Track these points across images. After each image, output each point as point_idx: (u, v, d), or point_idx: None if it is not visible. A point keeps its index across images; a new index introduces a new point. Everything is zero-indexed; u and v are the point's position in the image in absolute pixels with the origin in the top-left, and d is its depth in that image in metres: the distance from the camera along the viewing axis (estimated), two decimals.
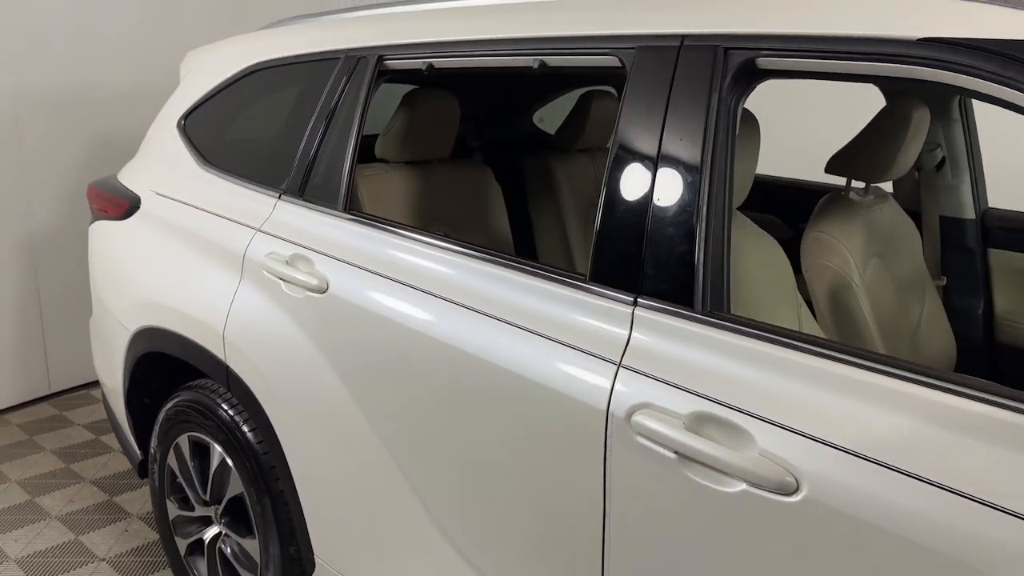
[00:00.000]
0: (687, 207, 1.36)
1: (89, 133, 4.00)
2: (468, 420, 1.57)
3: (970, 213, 2.46)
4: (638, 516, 1.32)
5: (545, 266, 1.55)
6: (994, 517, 1.00)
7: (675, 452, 1.26)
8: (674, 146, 1.39)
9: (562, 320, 1.46)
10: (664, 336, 1.34)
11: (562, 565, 1.46)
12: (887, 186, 2.59)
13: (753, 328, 1.26)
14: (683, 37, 1.43)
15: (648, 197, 1.41)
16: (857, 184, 2.23)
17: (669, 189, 1.39)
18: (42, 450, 3.60)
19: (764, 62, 1.35)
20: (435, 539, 1.71)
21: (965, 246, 2.50)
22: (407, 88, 2.42)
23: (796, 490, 1.14)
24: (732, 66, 1.37)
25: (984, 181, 2.51)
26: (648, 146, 1.42)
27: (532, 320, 1.50)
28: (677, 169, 1.39)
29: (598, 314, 1.43)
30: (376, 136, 2.41)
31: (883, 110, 2.13)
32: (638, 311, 1.39)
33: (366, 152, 2.38)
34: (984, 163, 2.53)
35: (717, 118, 1.36)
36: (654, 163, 1.41)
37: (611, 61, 1.53)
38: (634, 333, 1.37)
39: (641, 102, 1.45)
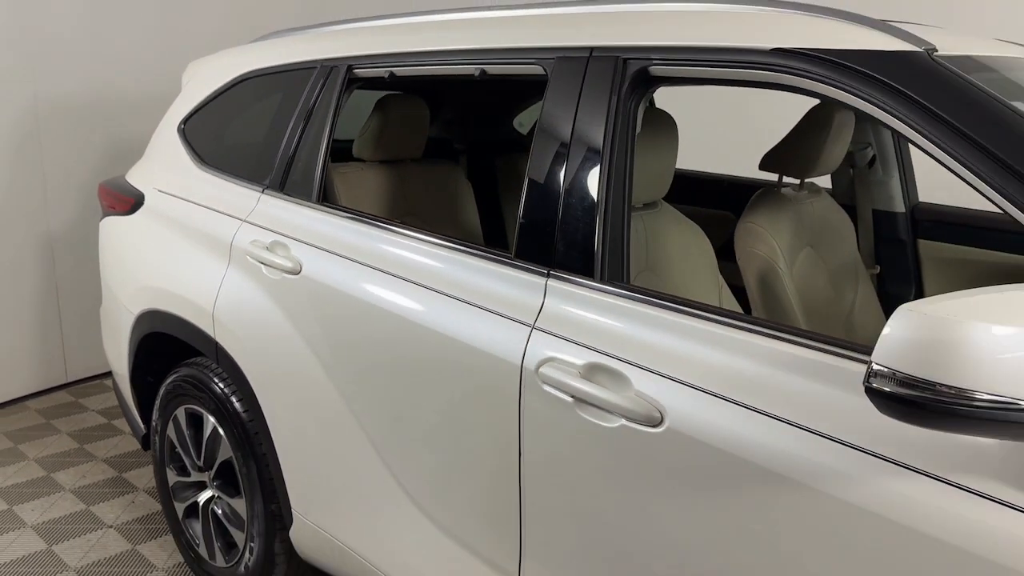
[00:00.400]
0: (590, 194, 1.60)
1: (103, 137, 4.29)
2: (414, 379, 1.82)
3: (900, 207, 2.68)
4: (544, 451, 1.56)
5: (481, 247, 1.79)
6: (809, 438, 1.23)
7: (572, 396, 1.50)
8: (581, 143, 1.64)
9: (491, 291, 1.71)
10: (568, 302, 1.58)
11: (489, 498, 1.70)
12: (826, 181, 2.81)
13: (636, 293, 1.50)
14: (591, 49, 1.68)
15: (560, 186, 1.65)
16: (793, 180, 2.46)
17: (576, 179, 1.63)
18: (58, 432, 3.87)
19: (655, 70, 1.59)
20: (392, 488, 1.95)
21: (897, 238, 2.72)
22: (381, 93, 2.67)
23: (661, 422, 1.38)
24: (630, 73, 1.61)
25: (914, 177, 2.72)
26: (561, 143, 1.67)
27: (468, 292, 1.75)
28: (583, 162, 1.63)
29: (519, 285, 1.67)
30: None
31: (809, 112, 2.36)
32: (550, 282, 1.63)
33: (347, 152, 2.65)
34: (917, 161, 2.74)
35: (616, 118, 1.60)
36: (565, 157, 1.66)
37: (536, 69, 1.77)
38: (546, 300, 1.62)
39: (557, 105, 1.70)
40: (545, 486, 1.58)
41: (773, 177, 2.42)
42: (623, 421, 1.43)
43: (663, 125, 1.93)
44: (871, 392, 0.98)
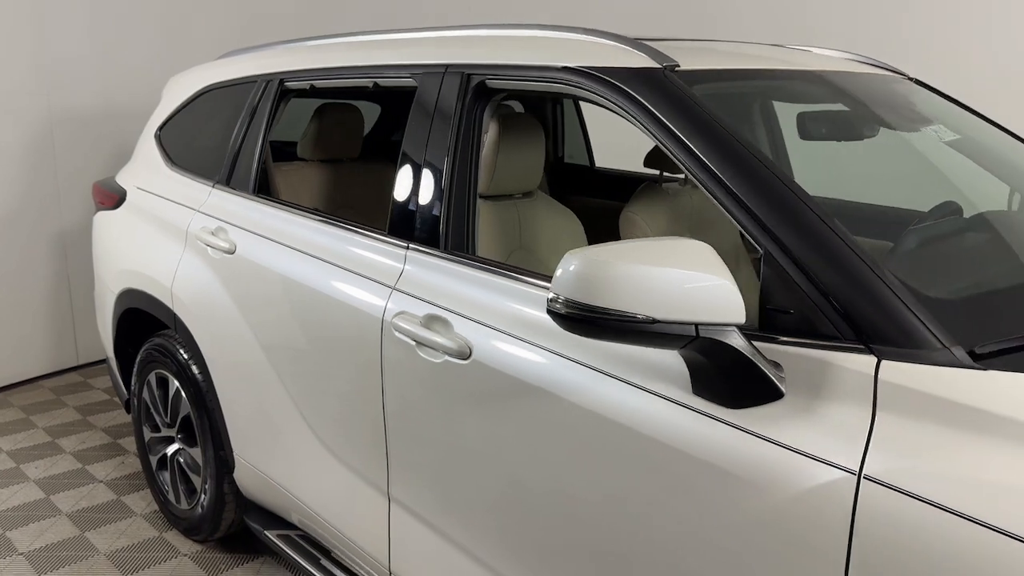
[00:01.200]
0: (439, 183, 2.00)
1: (110, 143, 4.78)
2: (314, 336, 2.23)
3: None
4: (396, 386, 1.97)
5: (366, 227, 2.21)
6: (558, 360, 1.62)
7: (414, 340, 1.90)
8: (435, 141, 2.04)
9: (369, 261, 2.12)
10: (419, 268, 1.98)
11: (364, 427, 2.10)
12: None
13: (464, 259, 1.90)
14: (446, 66, 2.08)
15: (418, 176, 2.06)
16: (679, 175, 2.82)
17: (430, 171, 2.03)
18: (66, 406, 4.36)
19: (491, 83, 1.99)
20: (303, 429, 2.37)
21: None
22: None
23: (470, 355, 1.78)
24: (472, 86, 2.01)
25: (791, 172, 3.06)
26: (421, 142, 2.07)
27: (353, 263, 2.16)
28: (435, 157, 2.03)
29: (387, 256, 2.08)
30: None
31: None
32: (409, 253, 2.03)
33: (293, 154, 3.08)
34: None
35: (461, 122, 2.00)
36: (424, 154, 2.06)
37: (409, 82, 2.18)
38: (405, 267, 2.02)
39: (420, 111, 2.10)
40: (398, 413, 1.99)
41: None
42: (446, 357, 1.83)
43: (528, 128, 2.31)
44: (551, 314, 1.37)
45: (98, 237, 3.39)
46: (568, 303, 1.32)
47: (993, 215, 1.96)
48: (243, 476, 2.68)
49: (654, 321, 1.29)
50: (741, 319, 1.30)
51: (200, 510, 2.92)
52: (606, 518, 1.55)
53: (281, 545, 2.56)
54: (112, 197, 3.32)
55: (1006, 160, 2.32)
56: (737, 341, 1.32)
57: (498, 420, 1.74)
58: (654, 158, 2.78)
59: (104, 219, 3.35)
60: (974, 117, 2.44)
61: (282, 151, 3.15)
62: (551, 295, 1.35)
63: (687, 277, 1.29)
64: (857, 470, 1.22)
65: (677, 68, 1.74)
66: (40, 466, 3.67)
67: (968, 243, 1.84)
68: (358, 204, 3.14)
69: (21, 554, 2.97)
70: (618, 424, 1.51)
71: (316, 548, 2.50)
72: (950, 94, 2.53)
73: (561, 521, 1.64)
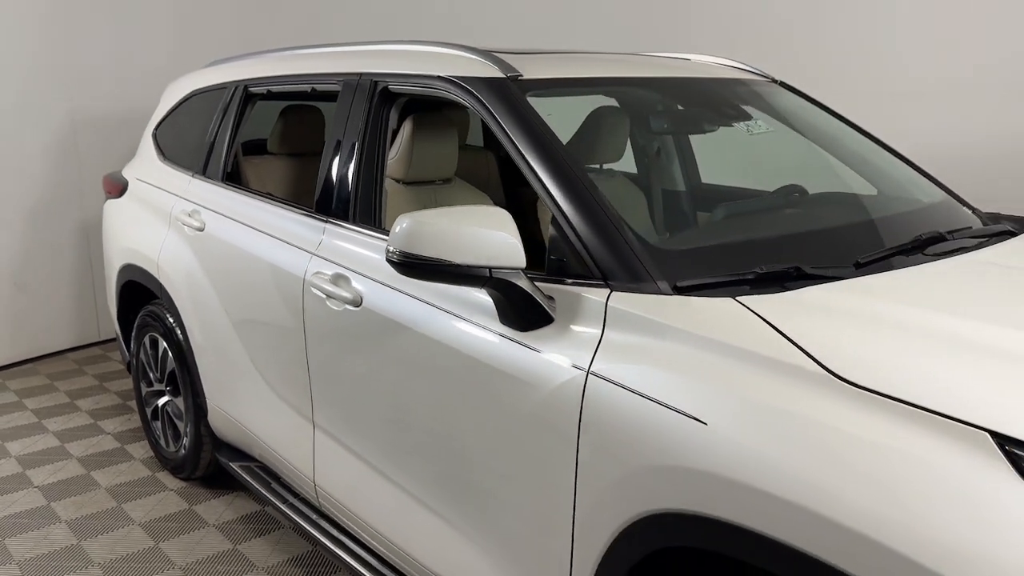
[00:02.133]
0: (350, 169, 2.49)
1: (127, 143, 5.33)
2: (259, 295, 2.74)
3: (681, 186, 3.47)
4: (313, 332, 2.46)
5: (300, 205, 2.70)
6: (416, 303, 2.09)
7: (324, 294, 2.40)
8: (349, 136, 2.53)
9: (299, 233, 2.61)
10: (333, 237, 2.48)
11: (294, 368, 2.60)
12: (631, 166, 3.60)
13: (365, 229, 2.39)
14: (360, 74, 2.57)
15: (337, 163, 2.55)
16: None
17: (344, 159, 2.52)
18: (86, 374, 4.94)
19: (392, 88, 2.47)
20: (254, 373, 2.88)
21: (679, 209, 3.50)
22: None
23: (361, 303, 2.27)
24: (378, 91, 2.50)
25: (696, 164, 3.50)
26: (339, 136, 2.57)
27: (288, 235, 2.65)
28: (349, 149, 2.52)
29: (311, 229, 2.57)
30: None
31: (587, 117, 3.17)
32: (327, 226, 2.53)
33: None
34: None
35: (369, 120, 2.49)
36: (341, 145, 2.55)
37: (337, 88, 2.68)
38: (324, 237, 2.52)
39: (341, 111, 2.60)
40: (316, 355, 2.49)
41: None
42: (345, 306, 2.32)
43: (440, 125, 2.79)
44: (389, 262, 1.84)
45: (106, 221, 3.95)
46: (399, 253, 1.80)
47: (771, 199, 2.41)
48: (214, 418, 3.20)
49: (457, 265, 1.76)
50: (521, 264, 1.77)
51: (183, 451, 3.46)
52: (444, 416, 2.03)
53: (243, 474, 3.07)
54: (117, 187, 3.88)
55: (852, 151, 2.76)
56: (521, 281, 1.79)
57: (378, 352, 2.22)
58: (573, 149, 3.23)
59: (111, 206, 3.91)
60: (827, 114, 2.88)
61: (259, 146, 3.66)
62: (388, 247, 1.83)
63: (483, 233, 1.76)
64: (587, 369, 1.68)
65: (520, 77, 2.20)
66: (58, 421, 4.24)
67: (736, 216, 2.29)
68: None
69: (36, 487, 3.53)
70: (451, 348, 1.99)
71: (268, 474, 3.01)
72: (812, 95, 2.98)
73: (415, 424, 2.12)
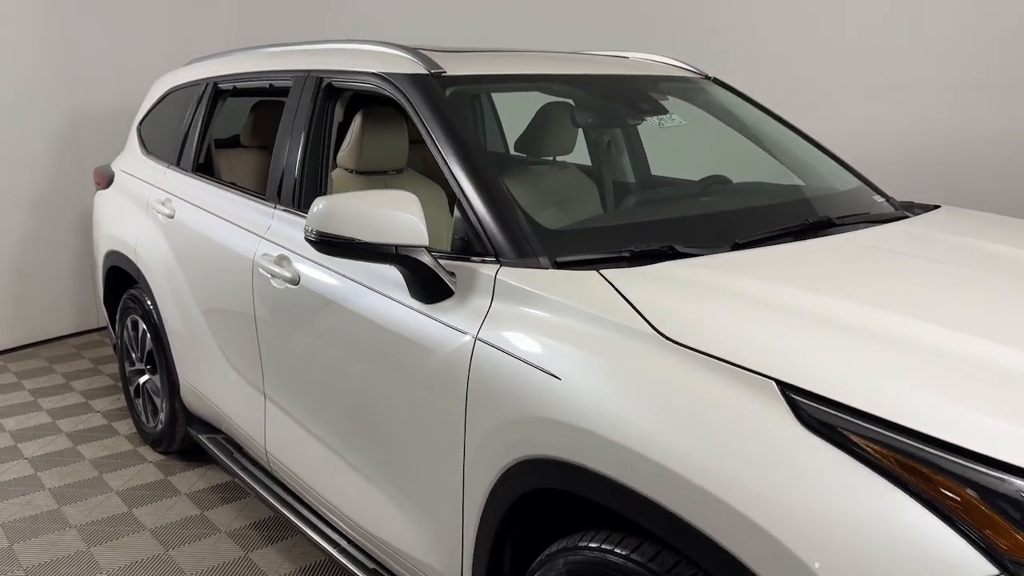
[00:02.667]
0: (296, 159, 2.70)
1: (126, 139, 5.60)
2: (218, 276, 2.95)
3: (631, 178, 3.64)
4: (261, 308, 2.67)
5: (256, 193, 2.91)
6: (345, 280, 2.29)
7: (270, 274, 2.60)
8: (297, 128, 2.73)
9: (252, 219, 2.82)
10: (280, 221, 2.68)
11: (246, 342, 2.81)
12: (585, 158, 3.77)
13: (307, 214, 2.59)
14: (308, 71, 2.78)
15: (285, 153, 2.75)
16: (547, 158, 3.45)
17: (292, 149, 2.72)
18: (82, 358, 5.19)
19: (336, 83, 2.67)
20: (216, 350, 3.09)
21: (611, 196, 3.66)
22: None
23: (299, 282, 2.47)
24: (323, 87, 2.70)
25: (646, 157, 3.67)
26: (288, 129, 2.77)
27: (244, 220, 2.86)
28: (295, 140, 2.72)
29: (262, 215, 2.78)
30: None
31: (537, 113, 3.35)
32: (276, 211, 2.73)
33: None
34: None
35: (313, 113, 2.69)
36: (290, 137, 2.76)
37: (289, 84, 2.88)
38: (272, 222, 2.72)
39: (292, 105, 2.80)
40: (264, 330, 2.69)
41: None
42: (286, 284, 2.53)
43: (388, 118, 2.98)
44: (307, 240, 2.04)
45: (95, 211, 4.19)
46: (315, 232, 2.00)
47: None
48: (186, 394, 3.43)
49: (366, 243, 1.96)
50: (424, 242, 1.96)
51: (160, 426, 3.69)
52: (363, 381, 2.23)
53: (210, 445, 3.29)
54: (106, 178, 4.11)
55: (779, 144, 2.93)
56: (424, 257, 1.98)
57: (312, 326, 2.43)
58: (523, 143, 3.42)
59: (100, 197, 4.14)
60: (757, 110, 3.06)
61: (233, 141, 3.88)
62: (306, 227, 2.03)
63: (390, 214, 1.96)
64: (475, 335, 1.87)
65: (442, 74, 2.40)
66: (52, 400, 4.49)
67: (644, 203, 2.48)
68: None
69: (26, 459, 3.77)
70: (369, 319, 2.19)
71: (232, 446, 3.23)
72: (747, 93, 3.16)
73: (341, 389, 2.33)
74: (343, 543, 2.53)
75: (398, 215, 1.96)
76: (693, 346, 1.51)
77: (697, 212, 2.37)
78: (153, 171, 3.66)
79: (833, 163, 2.94)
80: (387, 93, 2.43)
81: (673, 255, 1.95)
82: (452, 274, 2.01)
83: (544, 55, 2.93)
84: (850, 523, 1.24)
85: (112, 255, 3.85)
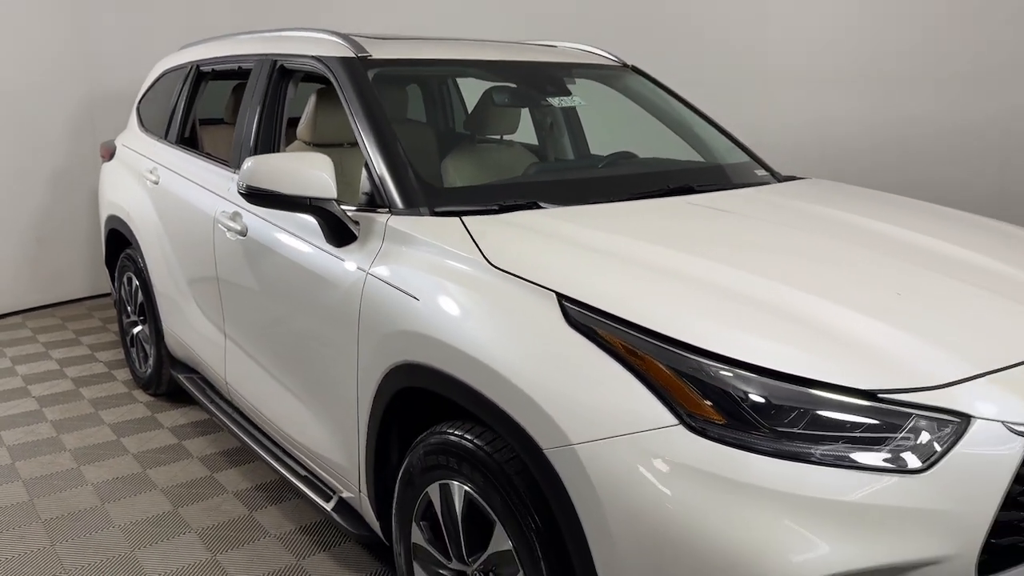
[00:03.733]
0: (251, 132, 3.14)
1: None
2: (191, 233, 3.42)
3: (570, 155, 4.04)
4: (220, 258, 3.13)
5: (223, 161, 3.37)
6: (279, 231, 2.74)
7: (226, 228, 3.06)
8: (253, 105, 3.18)
9: (217, 182, 3.27)
10: (231, 182, 3.14)
11: (210, 289, 3.27)
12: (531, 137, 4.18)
13: None
14: (266, 55, 3.22)
15: (245, 127, 3.20)
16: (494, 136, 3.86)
17: (247, 123, 3.17)
18: (93, 318, 5.72)
19: (287, 66, 3.11)
20: (189, 297, 3.56)
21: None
22: None
23: (247, 233, 2.92)
24: (277, 69, 3.14)
25: (584, 137, 4.06)
26: (248, 104, 3.22)
27: (210, 184, 3.32)
28: (252, 115, 3.17)
29: (225, 179, 3.23)
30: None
31: (482, 96, 3.76)
32: (234, 175, 3.18)
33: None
34: None
35: (268, 92, 3.13)
36: (248, 113, 3.20)
37: (252, 66, 3.33)
38: (231, 184, 3.17)
39: (253, 85, 3.24)
40: (223, 277, 3.15)
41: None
42: (237, 236, 2.98)
43: (332, 100, 3.40)
44: (239, 194, 2.47)
45: (101, 181, 4.68)
46: (245, 186, 2.44)
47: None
48: (168, 340, 3.90)
49: (285, 195, 2.39)
50: (332, 195, 2.39)
51: (149, 370, 4.17)
52: (291, 313, 2.67)
53: (186, 383, 3.77)
54: (110, 152, 4.60)
55: (684, 125, 3.33)
56: (333, 208, 2.41)
57: (256, 270, 2.88)
58: (471, 122, 3.83)
59: (104, 168, 4.64)
60: (668, 95, 3.46)
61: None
62: (237, 182, 2.47)
63: (305, 171, 2.39)
64: (367, 271, 2.30)
65: (368, 57, 2.82)
66: (62, 351, 5.01)
67: (541, 170, 2.89)
68: None
69: (33, 397, 4.28)
70: (295, 262, 2.63)
71: (205, 383, 3.70)
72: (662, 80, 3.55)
73: (276, 322, 2.78)
74: (289, 461, 2.98)
75: (312, 172, 2.38)
76: (509, 270, 1.93)
77: (571, 178, 2.79)
78: (146, 144, 4.14)
79: (729, 143, 3.33)
80: (323, 73, 2.86)
81: (535, 209, 2.36)
82: (356, 223, 2.44)
83: (472, 43, 3.34)
84: (590, 391, 1.66)
85: (111, 219, 4.34)
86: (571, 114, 4.02)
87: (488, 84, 3.47)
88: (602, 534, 1.61)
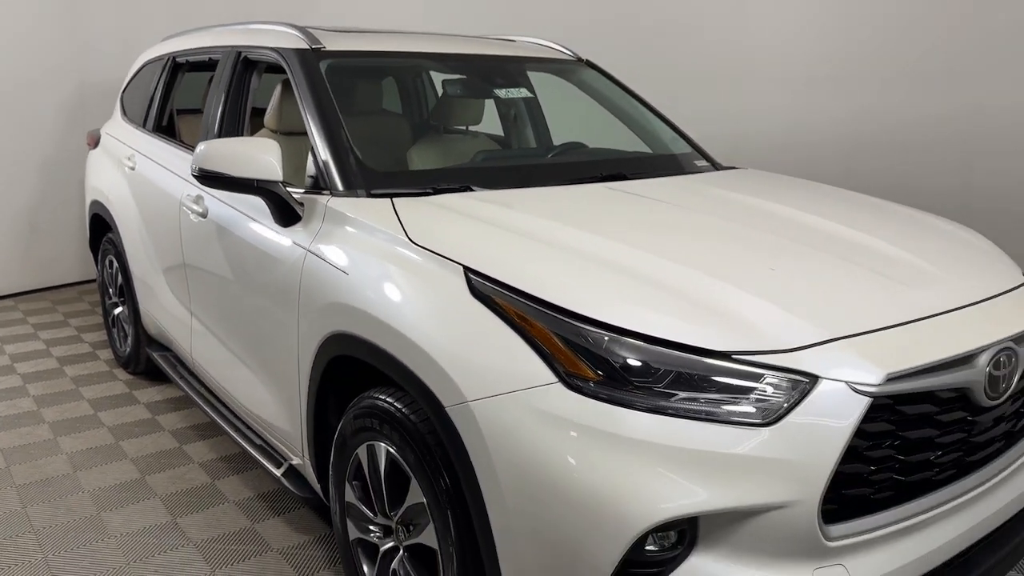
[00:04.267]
0: (216, 118, 3.31)
1: None
2: (161, 217, 3.59)
3: (532, 143, 4.20)
4: (186, 239, 3.30)
5: (192, 147, 3.54)
6: (231, 210, 2.91)
7: (190, 210, 3.23)
8: (221, 94, 3.35)
9: (184, 167, 3.44)
10: None
11: (177, 268, 3.45)
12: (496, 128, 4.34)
13: None
14: (232, 47, 3.39)
15: (210, 115, 3.37)
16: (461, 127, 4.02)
17: (216, 112, 3.34)
18: (83, 301, 5.91)
19: (251, 56, 3.28)
20: (160, 277, 3.74)
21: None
22: None
23: (207, 214, 3.09)
24: (241, 59, 3.31)
25: (547, 129, 4.22)
26: (214, 93, 3.39)
27: (178, 168, 3.48)
28: (217, 102, 3.34)
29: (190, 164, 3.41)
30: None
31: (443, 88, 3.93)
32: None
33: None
34: None
35: (232, 82, 3.30)
36: (214, 101, 3.37)
37: (220, 57, 3.49)
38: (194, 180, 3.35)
39: (218, 76, 3.41)
40: (188, 255, 3.32)
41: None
42: (199, 218, 3.15)
43: (291, 92, 3.56)
44: (193, 176, 2.64)
45: (87, 168, 4.87)
46: (198, 168, 2.61)
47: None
48: (144, 320, 4.08)
49: (234, 177, 2.56)
50: (278, 178, 2.55)
51: (128, 349, 4.35)
52: (243, 289, 2.84)
53: (159, 360, 3.95)
54: (95, 140, 4.79)
55: (633, 117, 3.49)
56: (279, 190, 2.58)
57: (215, 249, 3.05)
58: (436, 113, 3.99)
59: (90, 155, 4.82)
60: (620, 89, 3.61)
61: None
62: (192, 164, 2.64)
63: (253, 154, 2.55)
64: (308, 247, 2.46)
65: (321, 49, 2.99)
66: (50, 332, 5.20)
67: (489, 156, 3.04)
68: None
69: (18, 374, 4.47)
70: (247, 241, 2.80)
71: (176, 360, 3.88)
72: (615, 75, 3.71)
73: (232, 297, 2.95)
74: (248, 433, 3.14)
75: (259, 155, 2.55)
76: (426, 246, 2.10)
77: (505, 164, 2.95)
78: (126, 132, 4.31)
79: (674, 134, 3.49)
80: (279, 63, 3.02)
81: (466, 192, 2.52)
82: (302, 204, 2.60)
83: (431, 37, 3.50)
84: (485, 354, 1.82)
85: (94, 204, 4.52)
86: (534, 107, 4.18)
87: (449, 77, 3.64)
88: (492, 482, 1.78)
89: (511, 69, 3.45)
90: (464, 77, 3.40)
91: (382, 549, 2.26)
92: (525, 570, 1.76)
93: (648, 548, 1.65)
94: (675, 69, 5.10)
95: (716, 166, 3.31)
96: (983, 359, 1.83)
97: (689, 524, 1.65)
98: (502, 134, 4.18)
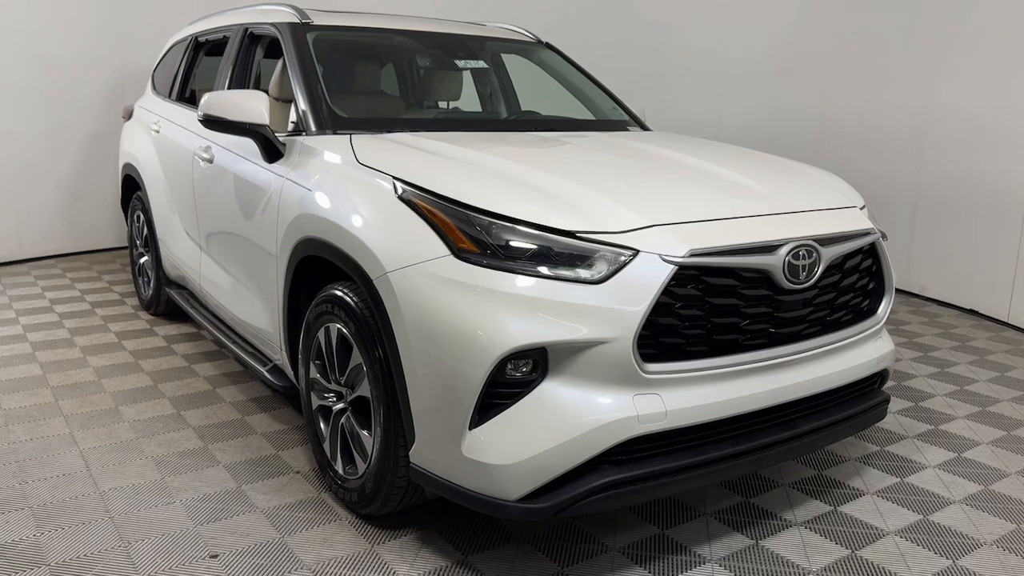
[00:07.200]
0: (226, 86, 3.94)
1: None
2: (178, 169, 4.23)
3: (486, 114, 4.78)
4: (197, 183, 3.93)
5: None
6: (231, 154, 3.53)
7: (201, 159, 3.86)
8: (229, 65, 3.97)
9: (198, 128, 4.08)
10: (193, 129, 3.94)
11: (191, 212, 4.08)
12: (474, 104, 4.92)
13: None
14: (240, 24, 4.02)
15: (220, 82, 4.00)
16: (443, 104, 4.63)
17: (225, 80, 3.97)
18: (116, 263, 6.59)
19: (255, 32, 3.91)
20: (179, 226, 4.37)
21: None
22: None
23: (213, 160, 3.72)
24: (248, 35, 3.94)
25: (519, 105, 4.80)
26: (224, 65, 4.02)
27: (194, 128, 4.12)
28: (229, 73, 3.96)
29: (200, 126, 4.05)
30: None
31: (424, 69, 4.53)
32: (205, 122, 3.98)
33: None
34: None
35: (239, 55, 3.93)
36: (223, 72, 4.00)
37: (227, 35, 4.12)
38: (203, 129, 3.98)
39: (228, 49, 4.04)
40: (198, 198, 3.95)
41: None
42: (207, 164, 3.78)
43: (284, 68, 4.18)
44: (199, 120, 3.25)
45: (121, 137, 5.54)
46: (203, 114, 3.22)
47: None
48: (166, 265, 4.73)
49: (229, 120, 3.17)
50: (264, 122, 3.16)
51: (152, 293, 5.01)
52: (240, 218, 3.46)
53: (175, 296, 4.58)
54: (129, 112, 5.46)
55: (583, 91, 4.06)
56: (265, 131, 3.18)
57: (219, 189, 3.67)
58: (418, 91, 4.60)
59: (125, 127, 5.50)
60: (573, 68, 4.19)
61: None
62: (198, 111, 3.26)
63: (245, 103, 3.16)
64: (286, 176, 3.07)
65: (310, 23, 3.60)
66: (85, 284, 5.88)
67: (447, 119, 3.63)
68: None
69: (56, 312, 5.14)
70: (243, 178, 3.41)
71: (191, 296, 4.51)
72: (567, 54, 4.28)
73: (231, 227, 3.56)
74: (243, 344, 3.74)
75: (250, 103, 3.15)
76: (370, 165, 2.69)
77: (452, 118, 3.54)
78: (154, 103, 4.98)
79: (614, 104, 4.06)
80: (276, 36, 3.64)
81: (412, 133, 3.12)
82: (284, 144, 3.21)
83: (408, 18, 4.11)
84: (402, 239, 2.40)
85: (126, 167, 5.19)
86: (508, 86, 4.76)
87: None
88: (401, 331, 2.35)
89: (473, 46, 4.04)
90: (436, 51, 4.00)
91: (334, 410, 2.85)
92: (426, 402, 2.33)
93: (510, 372, 2.21)
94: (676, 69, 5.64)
95: (644, 129, 3.86)
96: (783, 250, 2.37)
97: (540, 355, 2.20)
98: (480, 110, 4.76)
